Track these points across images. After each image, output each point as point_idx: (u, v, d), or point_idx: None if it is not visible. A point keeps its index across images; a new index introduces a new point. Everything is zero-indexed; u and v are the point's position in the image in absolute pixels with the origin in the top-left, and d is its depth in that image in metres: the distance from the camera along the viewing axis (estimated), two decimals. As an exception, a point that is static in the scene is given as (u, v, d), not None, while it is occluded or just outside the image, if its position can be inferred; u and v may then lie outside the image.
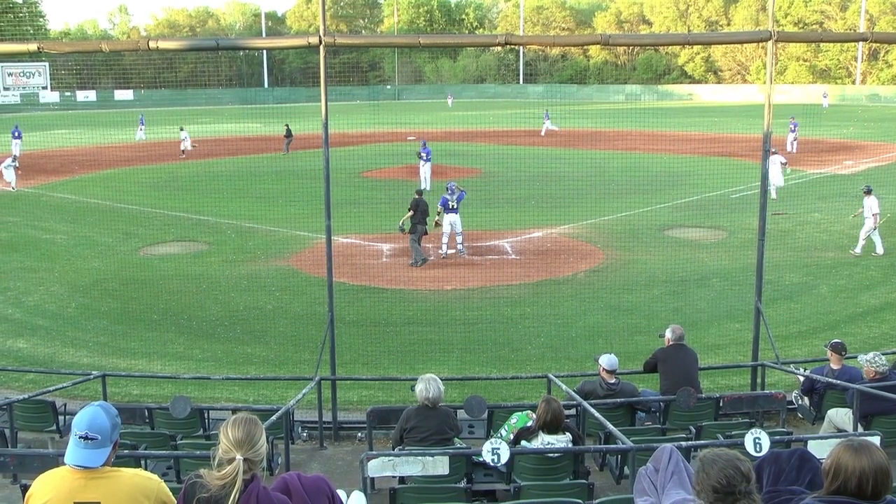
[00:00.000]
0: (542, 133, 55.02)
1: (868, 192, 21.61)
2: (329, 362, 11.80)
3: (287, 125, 46.06)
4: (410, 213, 21.03)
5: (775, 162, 31.54)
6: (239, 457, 3.94)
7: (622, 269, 20.82)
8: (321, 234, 12.25)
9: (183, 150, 46.16)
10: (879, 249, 21.47)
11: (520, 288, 19.21)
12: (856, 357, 10.43)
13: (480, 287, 19.28)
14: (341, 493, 4.92)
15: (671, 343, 10.72)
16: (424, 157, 32.89)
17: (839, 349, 10.44)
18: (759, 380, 12.15)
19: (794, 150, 39.57)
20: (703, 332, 15.60)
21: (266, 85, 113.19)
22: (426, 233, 21.32)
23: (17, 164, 35.01)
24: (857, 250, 21.56)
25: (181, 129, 47.03)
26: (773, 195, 30.67)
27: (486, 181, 33.91)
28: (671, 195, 30.45)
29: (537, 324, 16.74)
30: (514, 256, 22.16)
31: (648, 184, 32.49)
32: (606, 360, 10.09)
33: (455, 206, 21.75)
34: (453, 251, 22.11)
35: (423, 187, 30.49)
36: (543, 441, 7.81)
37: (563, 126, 53.42)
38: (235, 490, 3.91)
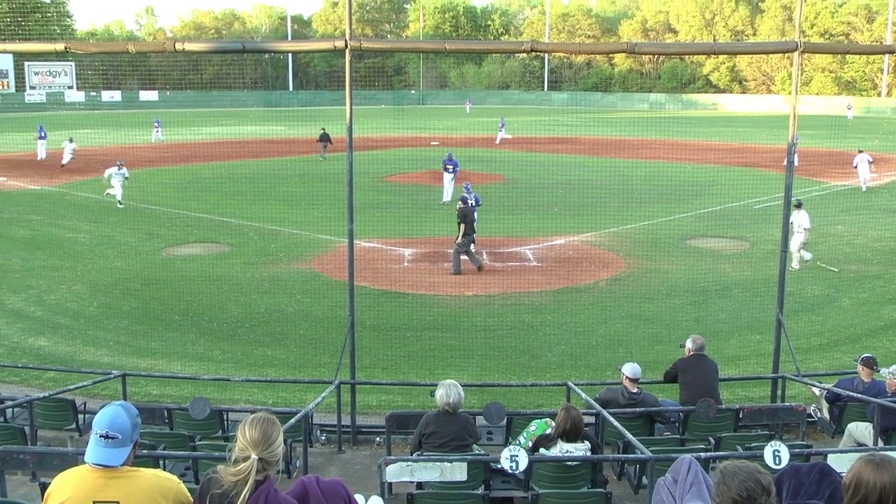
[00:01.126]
0: (497, 141, 54.26)
1: (798, 205, 20.98)
2: (349, 366, 11.81)
3: (323, 129, 44.35)
4: (463, 226, 20.67)
5: (863, 160, 32.03)
6: (254, 456, 3.93)
7: (643, 278, 20.74)
8: (343, 237, 12.27)
9: (63, 164, 40.62)
10: (795, 264, 20.98)
11: (541, 295, 19.19)
12: (878, 371, 10.36)
13: (501, 293, 19.26)
14: (359, 498, 4.92)
15: (692, 353, 10.68)
16: (450, 169, 31.72)
17: (870, 363, 10.37)
18: (779, 392, 12.08)
19: (797, 164, 39.35)
20: (724, 343, 15.51)
21: (291, 88, 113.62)
22: (474, 241, 21.17)
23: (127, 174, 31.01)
24: (795, 265, 20.94)
25: (69, 140, 41.40)
26: (864, 189, 32.47)
27: (508, 188, 33.85)
28: (694, 205, 30.31)
29: (558, 331, 16.71)
30: (535, 263, 22.13)
31: (671, 193, 32.33)
32: (630, 369, 10.05)
33: (472, 206, 21.76)
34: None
35: (444, 199, 30.36)
36: (562, 449, 7.78)
37: (585, 134, 53.15)
38: (247, 489, 3.91)
